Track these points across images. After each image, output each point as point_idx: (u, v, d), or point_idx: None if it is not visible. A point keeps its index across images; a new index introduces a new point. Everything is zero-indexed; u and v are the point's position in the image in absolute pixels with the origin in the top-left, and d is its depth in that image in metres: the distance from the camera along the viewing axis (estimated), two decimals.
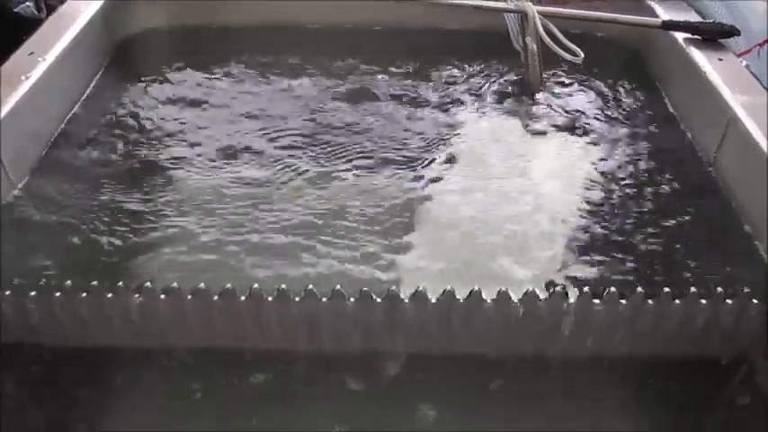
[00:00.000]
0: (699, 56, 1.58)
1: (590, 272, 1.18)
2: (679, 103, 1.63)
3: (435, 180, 1.41)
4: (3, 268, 1.10)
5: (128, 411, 1.00)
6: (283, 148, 1.50)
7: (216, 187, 1.37)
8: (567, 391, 1.04)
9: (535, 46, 1.68)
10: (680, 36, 1.67)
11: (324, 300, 0.98)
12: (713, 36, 1.63)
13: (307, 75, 1.76)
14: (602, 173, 1.44)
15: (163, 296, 0.98)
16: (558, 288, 1.01)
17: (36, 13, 2.11)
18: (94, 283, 0.97)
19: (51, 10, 1.79)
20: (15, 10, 2.08)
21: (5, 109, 1.30)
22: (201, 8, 1.93)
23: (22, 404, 1.01)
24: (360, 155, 1.48)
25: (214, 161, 1.45)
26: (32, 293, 0.98)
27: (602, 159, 1.48)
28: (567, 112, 1.63)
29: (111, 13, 1.78)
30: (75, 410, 1.00)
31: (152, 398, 1.02)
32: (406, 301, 0.98)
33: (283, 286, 0.97)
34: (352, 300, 0.98)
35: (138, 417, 1.00)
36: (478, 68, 1.79)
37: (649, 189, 1.38)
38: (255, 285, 0.97)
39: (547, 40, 1.64)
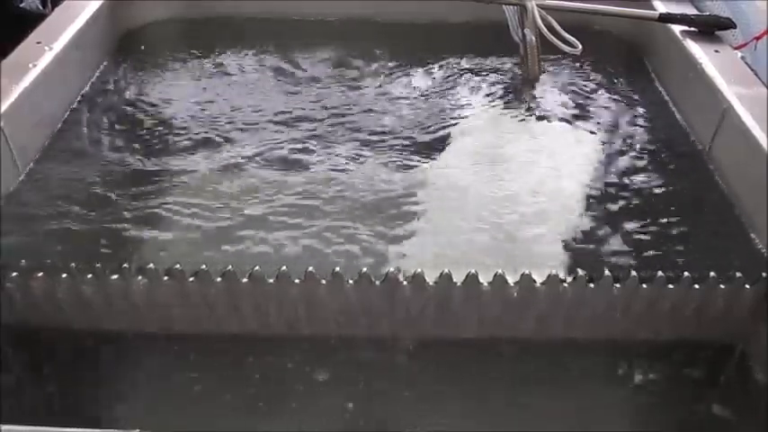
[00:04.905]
0: (695, 47, 1.59)
1: (584, 256, 1.20)
2: (675, 94, 1.64)
3: (436, 166, 1.44)
4: (9, 251, 1.12)
5: (127, 395, 1.03)
6: (288, 134, 1.52)
7: (222, 175, 1.38)
8: (557, 375, 1.06)
9: (534, 38, 1.69)
10: (677, 28, 1.68)
11: (323, 282, 1.00)
12: (710, 28, 1.64)
13: (307, 65, 1.78)
14: (598, 161, 1.45)
15: (165, 278, 1.00)
16: (552, 272, 1.02)
17: (41, 7, 2.13)
18: (98, 265, 0.99)
19: (56, 4, 1.81)
20: (20, 5, 2.10)
21: (13, 96, 1.31)
22: (206, 0, 1.95)
23: (23, 386, 1.03)
24: (360, 144, 1.49)
25: (220, 151, 1.46)
26: (38, 275, 1.00)
27: (597, 148, 1.49)
28: (564, 102, 1.65)
29: (116, 4, 1.80)
30: (75, 393, 1.03)
31: (153, 381, 1.05)
32: (405, 283, 1.01)
33: (284, 268, 0.99)
34: (351, 282, 1.01)
35: (137, 400, 1.02)
36: (476, 60, 1.80)
37: (644, 178, 1.40)
38: (257, 267, 0.99)
39: (545, 31, 1.66)
